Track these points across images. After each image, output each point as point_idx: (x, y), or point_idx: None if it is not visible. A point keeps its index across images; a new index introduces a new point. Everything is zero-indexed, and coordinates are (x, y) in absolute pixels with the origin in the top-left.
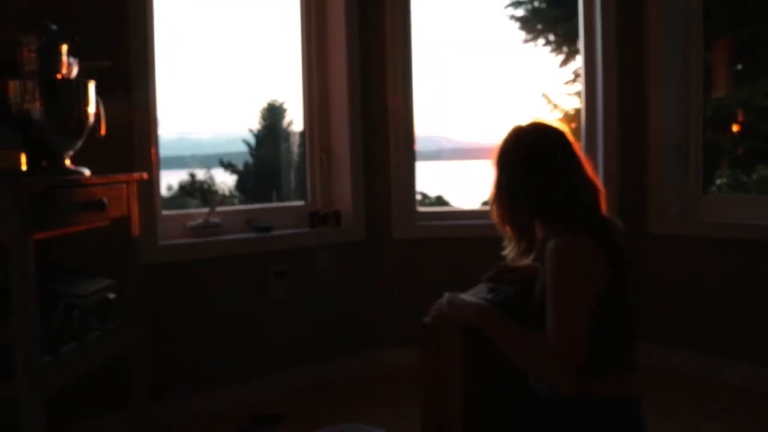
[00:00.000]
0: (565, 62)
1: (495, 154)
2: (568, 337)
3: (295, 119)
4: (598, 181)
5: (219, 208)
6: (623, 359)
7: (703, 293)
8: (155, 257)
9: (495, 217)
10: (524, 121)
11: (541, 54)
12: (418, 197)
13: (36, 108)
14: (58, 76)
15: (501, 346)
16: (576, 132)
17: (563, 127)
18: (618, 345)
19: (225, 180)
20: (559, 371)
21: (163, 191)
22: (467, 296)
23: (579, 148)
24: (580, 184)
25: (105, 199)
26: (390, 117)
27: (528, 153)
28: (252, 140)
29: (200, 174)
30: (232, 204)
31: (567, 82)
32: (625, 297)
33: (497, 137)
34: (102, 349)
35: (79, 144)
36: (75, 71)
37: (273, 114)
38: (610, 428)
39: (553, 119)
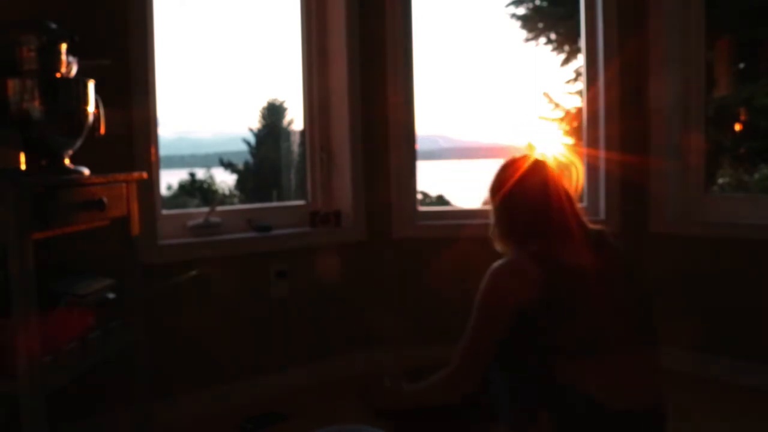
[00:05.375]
0: (566, 61)
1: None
2: (466, 352)
3: (295, 118)
4: (576, 207)
5: (219, 208)
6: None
7: (705, 293)
8: (155, 257)
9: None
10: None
11: (543, 53)
12: (419, 197)
13: (35, 107)
14: (58, 75)
15: (411, 403)
16: (577, 131)
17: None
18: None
19: (225, 179)
20: (449, 379)
21: (163, 191)
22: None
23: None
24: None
25: (105, 199)
26: (391, 116)
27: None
28: (252, 139)
29: (200, 173)
30: (232, 203)
31: (568, 81)
32: (576, 312)
33: (498, 137)
34: (102, 348)
35: (79, 143)
36: (74, 70)
37: (273, 113)
38: None
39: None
